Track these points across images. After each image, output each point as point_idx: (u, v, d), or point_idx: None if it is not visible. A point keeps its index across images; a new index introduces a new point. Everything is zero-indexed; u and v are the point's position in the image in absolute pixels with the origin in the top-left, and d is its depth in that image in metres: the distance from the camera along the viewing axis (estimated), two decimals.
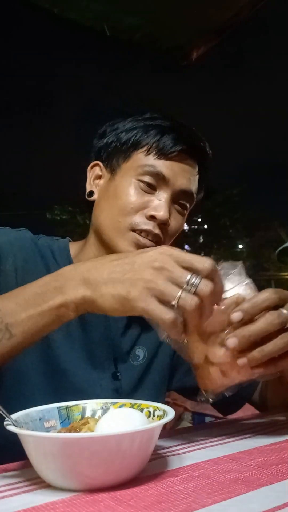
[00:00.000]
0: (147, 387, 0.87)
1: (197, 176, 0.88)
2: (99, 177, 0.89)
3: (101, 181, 0.88)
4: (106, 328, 0.85)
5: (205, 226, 28.28)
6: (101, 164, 0.89)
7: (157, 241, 0.82)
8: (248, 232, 28.36)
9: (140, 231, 0.80)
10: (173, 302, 0.53)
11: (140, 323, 0.89)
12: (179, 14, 1.74)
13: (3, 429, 0.51)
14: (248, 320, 0.59)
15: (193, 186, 0.86)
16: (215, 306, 0.59)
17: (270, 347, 0.59)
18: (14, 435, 0.50)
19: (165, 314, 0.53)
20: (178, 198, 0.85)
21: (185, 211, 0.88)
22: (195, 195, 0.87)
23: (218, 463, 0.56)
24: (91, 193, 0.88)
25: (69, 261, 0.87)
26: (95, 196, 0.88)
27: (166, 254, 0.56)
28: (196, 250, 28.79)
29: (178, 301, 0.53)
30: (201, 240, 28.44)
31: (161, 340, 0.61)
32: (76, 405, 0.62)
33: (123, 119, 0.89)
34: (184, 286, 0.54)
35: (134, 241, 0.80)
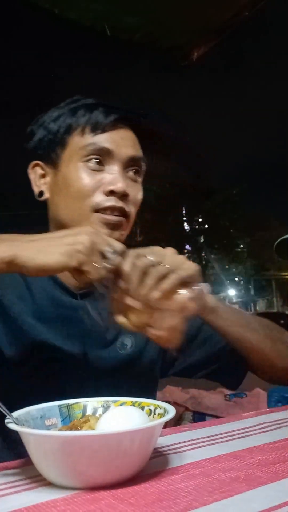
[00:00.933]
0: (137, 376, 0.86)
1: (138, 142, 0.87)
2: (43, 176, 0.87)
3: (47, 179, 0.86)
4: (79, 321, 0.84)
5: (206, 226, 28.29)
6: (40, 162, 0.87)
7: (123, 214, 0.82)
8: (249, 232, 28.36)
9: (104, 210, 0.80)
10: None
11: None
12: (179, 14, 1.74)
13: (4, 427, 0.51)
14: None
15: (138, 151, 0.86)
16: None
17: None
18: (15, 433, 0.50)
19: (101, 269, 0.61)
20: (128, 166, 0.84)
21: (138, 178, 0.87)
22: (143, 160, 0.87)
23: (219, 462, 0.56)
24: (41, 193, 0.86)
25: None
26: (46, 195, 0.86)
27: (92, 233, 0.64)
28: (196, 250, 28.82)
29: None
30: (202, 240, 28.45)
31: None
32: (77, 403, 0.62)
33: (45, 112, 0.88)
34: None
35: (101, 220, 0.80)
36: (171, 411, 0.55)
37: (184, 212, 28.15)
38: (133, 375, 0.86)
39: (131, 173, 0.85)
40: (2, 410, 0.53)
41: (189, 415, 2.85)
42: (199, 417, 2.67)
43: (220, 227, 27.41)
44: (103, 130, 0.82)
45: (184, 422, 2.83)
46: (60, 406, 0.61)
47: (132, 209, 0.84)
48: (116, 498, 0.45)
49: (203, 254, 28.59)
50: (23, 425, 0.53)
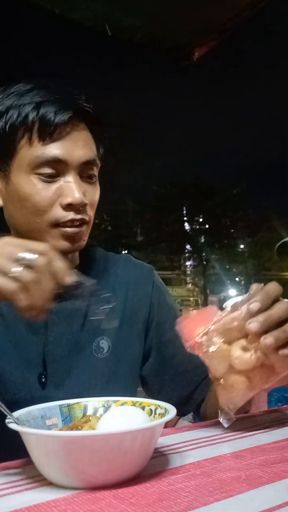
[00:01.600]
0: (118, 378, 0.85)
1: (91, 137, 0.81)
2: None
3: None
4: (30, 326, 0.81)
5: (206, 226, 28.28)
6: None
7: (83, 223, 0.79)
8: (250, 232, 28.35)
9: (63, 223, 0.76)
10: (10, 274, 0.57)
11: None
12: (180, 14, 1.74)
13: (5, 427, 0.51)
14: (263, 331, 0.61)
15: (92, 152, 0.80)
16: (232, 314, 0.62)
17: None
18: (16, 433, 0.50)
19: (6, 285, 0.57)
20: (83, 171, 0.78)
21: (94, 179, 0.82)
22: (97, 160, 0.81)
23: (220, 461, 0.56)
24: None
25: None
26: (0, 203, 0.81)
27: (6, 242, 0.60)
28: (197, 250, 28.81)
29: (15, 274, 0.57)
30: (202, 240, 28.43)
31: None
32: (78, 403, 0.62)
33: None
34: (17, 262, 0.58)
35: (62, 234, 0.77)
36: (172, 411, 0.55)
37: (184, 212, 28.15)
38: (113, 377, 0.84)
39: (86, 177, 0.80)
40: (2, 410, 0.53)
41: (189, 415, 2.84)
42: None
43: (221, 227, 27.40)
44: (53, 136, 0.74)
45: (184, 422, 2.82)
46: (61, 406, 0.61)
47: (91, 213, 0.81)
48: (117, 498, 0.45)
49: (203, 254, 28.58)
50: (24, 425, 0.53)
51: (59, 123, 0.74)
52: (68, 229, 0.77)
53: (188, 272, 33.46)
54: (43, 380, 0.80)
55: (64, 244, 0.77)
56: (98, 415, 0.61)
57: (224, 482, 0.49)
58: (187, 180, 27.97)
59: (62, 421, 0.60)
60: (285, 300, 0.64)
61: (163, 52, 1.86)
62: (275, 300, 0.63)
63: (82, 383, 0.82)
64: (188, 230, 28.40)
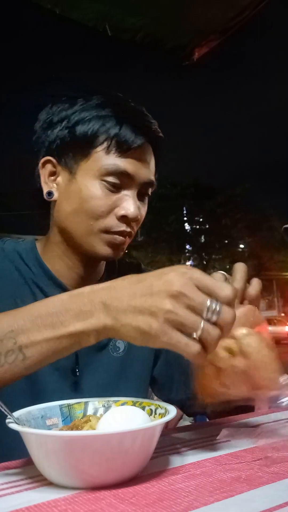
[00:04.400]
0: (130, 378, 0.86)
1: (154, 160, 0.86)
2: (53, 174, 0.84)
3: (58, 179, 0.83)
4: None
5: (207, 226, 28.27)
6: (53, 160, 0.83)
7: (130, 236, 0.83)
8: (250, 232, 28.34)
9: (113, 232, 0.80)
10: (195, 335, 0.52)
11: None
12: (181, 14, 1.74)
13: (5, 427, 0.51)
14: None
15: (152, 174, 0.85)
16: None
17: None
18: (16, 433, 0.50)
19: (190, 347, 0.52)
20: (142, 188, 0.84)
21: (147, 198, 0.87)
22: (155, 182, 0.86)
23: (220, 461, 0.56)
24: (50, 193, 0.83)
25: (38, 261, 0.85)
26: (55, 197, 0.83)
27: (186, 277, 0.54)
28: (197, 250, 28.81)
29: (200, 332, 0.52)
30: (203, 240, 28.43)
31: None
32: (78, 403, 0.62)
33: (69, 104, 0.83)
34: (205, 315, 0.52)
35: (110, 241, 0.80)
36: (172, 411, 0.55)
37: (185, 212, 28.14)
38: (126, 377, 0.86)
39: (141, 195, 0.85)
40: (2, 410, 0.53)
41: None
42: (200, 417, 2.66)
43: (221, 227, 27.37)
44: (128, 154, 0.79)
45: (185, 422, 2.82)
46: (61, 406, 0.61)
47: (136, 228, 0.85)
48: (117, 497, 0.45)
49: (204, 254, 28.59)
50: (24, 425, 0.53)
51: (135, 145, 0.80)
52: (117, 237, 0.80)
53: None
54: (77, 373, 0.81)
55: (108, 251, 0.80)
56: (98, 415, 0.61)
57: (224, 482, 0.49)
58: (187, 180, 27.97)
59: (62, 421, 0.60)
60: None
61: (165, 52, 1.86)
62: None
63: (97, 380, 0.83)
64: (188, 230, 28.39)
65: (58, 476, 0.49)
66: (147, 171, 0.83)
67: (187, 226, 28.37)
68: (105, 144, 0.79)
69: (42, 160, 0.84)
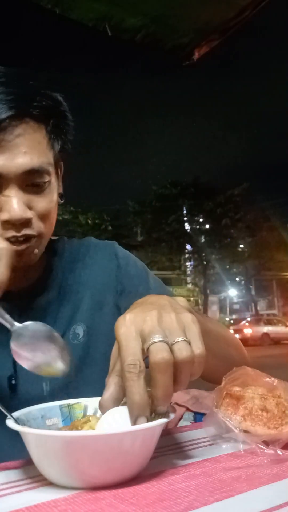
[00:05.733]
0: (96, 360, 0.82)
1: (45, 137, 0.71)
2: None
3: None
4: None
5: (207, 226, 28.27)
6: None
7: (29, 237, 0.71)
8: (250, 232, 28.34)
9: (8, 239, 0.69)
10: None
11: (73, 300, 0.85)
12: (181, 14, 1.74)
13: (5, 427, 0.51)
14: None
15: (38, 158, 0.69)
16: None
17: None
18: (16, 433, 0.50)
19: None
20: (27, 180, 0.69)
21: (45, 186, 0.72)
22: (47, 166, 0.71)
23: (220, 461, 0.56)
24: None
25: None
26: None
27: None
28: (197, 250, 28.81)
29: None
30: (203, 240, 28.43)
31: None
32: (78, 403, 0.62)
33: None
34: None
35: (13, 249, 0.69)
36: (172, 411, 0.55)
37: (184, 212, 28.14)
38: (91, 360, 0.82)
39: (32, 185, 0.70)
40: (2, 410, 0.53)
41: (190, 416, 2.84)
42: (200, 417, 2.66)
43: (221, 227, 27.37)
44: None
45: (185, 423, 2.82)
46: (61, 406, 0.61)
47: (41, 225, 0.73)
48: (117, 498, 0.45)
49: (203, 254, 28.59)
50: (24, 425, 0.53)
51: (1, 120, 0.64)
52: (16, 246, 0.69)
53: (188, 272, 33.45)
54: (13, 382, 0.76)
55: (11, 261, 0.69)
56: (98, 415, 0.61)
57: (225, 482, 0.49)
58: (187, 180, 27.97)
59: (62, 421, 0.60)
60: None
61: (164, 52, 1.86)
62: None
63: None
64: (188, 230, 28.39)
65: (58, 476, 0.49)
66: (23, 158, 0.67)
67: (187, 226, 28.36)
68: None
69: None
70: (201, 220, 28.35)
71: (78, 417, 0.60)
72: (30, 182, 0.69)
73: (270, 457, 0.57)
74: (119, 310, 0.88)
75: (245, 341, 20.28)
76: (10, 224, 0.68)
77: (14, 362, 0.76)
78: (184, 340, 0.53)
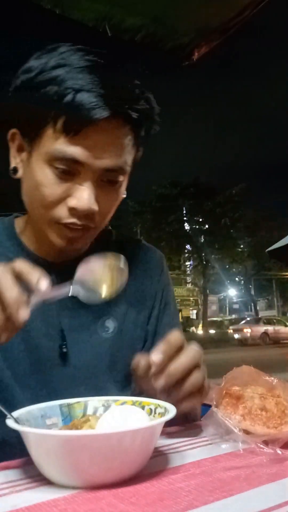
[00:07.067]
0: (119, 359, 0.81)
1: (132, 141, 0.72)
2: (20, 149, 0.74)
3: (23, 155, 0.74)
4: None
5: (206, 226, 28.29)
6: (18, 132, 0.74)
7: (86, 229, 0.73)
8: (250, 232, 28.36)
9: (64, 225, 0.72)
10: None
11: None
12: (181, 14, 1.74)
13: (5, 427, 0.51)
14: (167, 360, 0.62)
15: (120, 159, 0.71)
16: None
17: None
18: (16, 432, 0.50)
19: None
20: (103, 176, 0.71)
21: (117, 185, 0.74)
22: (126, 167, 0.73)
23: (220, 461, 0.56)
24: (14, 170, 0.75)
25: (14, 238, 0.81)
26: (19, 173, 0.75)
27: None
28: (197, 250, 28.82)
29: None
30: (202, 240, 28.44)
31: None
32: (78, 402, 0.62)
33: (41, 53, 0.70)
34: None
35: (62, 233, 0.73)
36: (172, 411, 0.55)
37: (184, 212, 28.16)
38: (117, 357, 0.81)
39: (107, 182, 0.72)
40: (2, 409, 0.53)
41: None
42: (205, 408, 2.70)
43: (221, 227, 27.40)
44: (79, 133, 0.66)
45: None
46: (61, 406, 0.61)
47: (100, 220, 0.75)
48: (117, 497, 0.45)
49: (203, 254, 28.60)
50: (24, 424, 0.54)
51: (91, 120, 0.65)
52: (69, 232, 0.73)
53: (188, 272, 33.47)
54: (64, 350, 0.77)
55: (61, 243, 0.74)
56: (98, 414, 0.61)
57: (224, 482, 0.49)
58: (187, 180, 27.99)
59: (62, 420, 0.60)
60: (192, 347, 0.64)
61: (164, 52, 1.86)
62: (179, 349, 0.63)
63: (86, 359, 0.79)
64: (188, 230, 28.40)
65: (58, 476, 0.49)
66: (108, 157, 0.69)
67: (186, 226, 28.38)
68: (51, 124, 0.67)
69: (10, 132, 0.75)
70: (201, 220, 28.37)
71: (78, 416, 0.60)
72: (105, 178, 0.71)
73: (270, 456, 0.57)
74: (149, 320, 0.88)
75: (244, 340, 20.31)
76: (75, 211, 0.70)
77: (62, 331, 0.77)
78: None
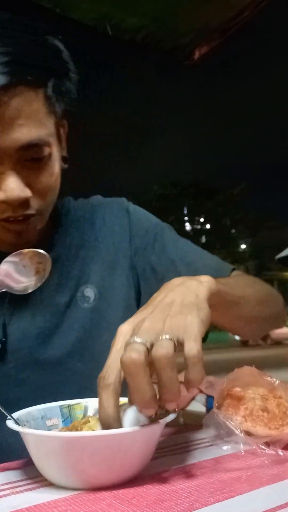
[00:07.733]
0: (107, 327, 0.75)
1: (44, 106, 0.62)
2: None
3: None
4: None
5: (207, 226, 28.31)
6: None
7: (28, 216, 0.66)
8: (251, 232, 28.38)
9: (3, 220, 0.65)
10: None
11: (81, 260, 0.79)
12: (181, 14, 1.74)
13: (5, 428, 0.51)
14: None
15: (36, 131, 0.61)
16: None
17: None
18: (16, 433, 0.50)
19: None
20: (24, 156, 0.62)
21: (46, 159, 0.65)
22: (46, 138, 0.63)
23: (221, 462, 0.56)
24: None
25: None
26: None
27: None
28: None
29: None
30: (203, 240, 28.46)
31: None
32: (78, 403, 0.62)
33: None
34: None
35: (5, 228, 0.66)
36: (172, 412, 0.55)
37: (185, 212, 28.17)
38: (103, 328, 0.76)
39: (31, 162, 0.63)
40: (2, 410, 0.53)
41: (203, 398, 2.96)
42: (211, 400, 2.75)
43: (222, 227, 27.44)
44: None
45: (196, 404, 2.96)
46: (61, 407, 0.61)
47: (41, 202, 0.67)
48: (117, 498, 0.45)
49: None
50: (24, 425, 0.53)
51: None
52: (11, 226, 0.66)
53: None
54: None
55: (9, 238, 0.68)
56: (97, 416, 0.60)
57: (225, 483, 0.49)
58: (188, 180, 28.01)
59: (62, 421, 0.60)
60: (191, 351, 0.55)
61: (164, 52, 1.86)
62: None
63: (71, 336, 0.75)
64: (189, 230, 28.41)
65: (58, 477, 0.49)
66: (19, 131, 0.59)
67: (187, 226, 28.39)
68: None
69: None
70: (201, 220, 28.39)
71: (78, 417, 0.60)
72: (28, 157, 0.62)
73: (271, 457, 0.57)
74: (135, 270, 0.82)
75: (245, 341, 20.30)
76: (6, 204, 0.63)
77: (4, 326, 0.72)
78: (168, 339, 0.46)
